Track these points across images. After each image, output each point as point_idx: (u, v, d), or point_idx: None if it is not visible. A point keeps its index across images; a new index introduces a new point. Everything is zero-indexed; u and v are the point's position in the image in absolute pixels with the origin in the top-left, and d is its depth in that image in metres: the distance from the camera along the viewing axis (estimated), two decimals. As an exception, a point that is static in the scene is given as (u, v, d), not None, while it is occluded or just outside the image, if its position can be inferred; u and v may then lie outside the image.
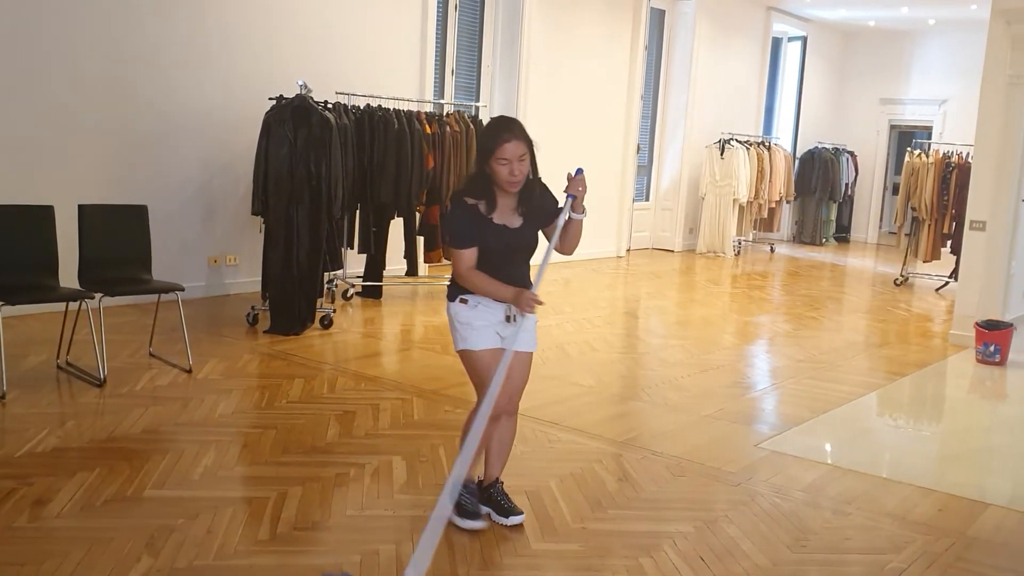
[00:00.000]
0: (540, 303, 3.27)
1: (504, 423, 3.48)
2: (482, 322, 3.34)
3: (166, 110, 6.98)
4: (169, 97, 6.99)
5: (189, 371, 5.23)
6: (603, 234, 11.50)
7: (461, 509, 3.41)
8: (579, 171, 3.34)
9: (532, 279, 3.37)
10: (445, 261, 8.23)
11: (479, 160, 3.29)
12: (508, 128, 3.26)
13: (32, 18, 6.18)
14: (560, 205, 3.38)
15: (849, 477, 4.23)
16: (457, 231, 3.30)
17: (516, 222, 3.34)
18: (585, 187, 3.34)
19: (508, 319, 3.35)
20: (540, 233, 3.44)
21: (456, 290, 3.39)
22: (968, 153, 9.69)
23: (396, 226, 7.90)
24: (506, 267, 3.33)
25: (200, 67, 7.14)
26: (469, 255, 3.28)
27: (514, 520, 3.46)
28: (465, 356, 3.40)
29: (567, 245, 3.45)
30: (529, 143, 3.27)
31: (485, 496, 3.52)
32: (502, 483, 3.54)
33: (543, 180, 3.41)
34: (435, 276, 8.77)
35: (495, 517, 3.48)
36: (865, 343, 7.53)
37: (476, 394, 3.45)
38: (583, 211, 3.36)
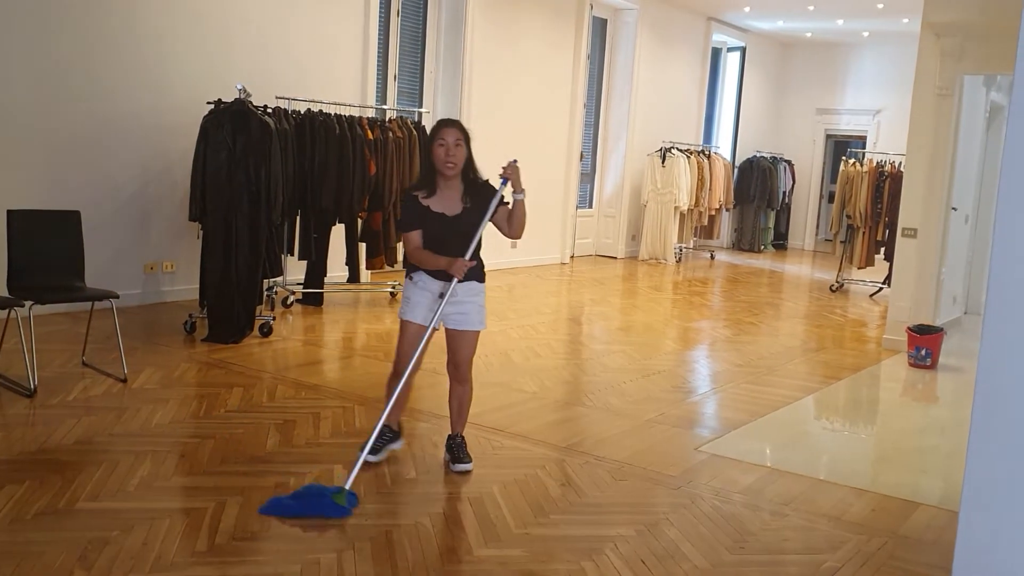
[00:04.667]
0: (470, 265, 3.86)
1: (457, 389, 4.14)
2: (418, 298, 3.97)
3: (100, 113, 6.83)
4: (103, 100, 6.83)
5: (124, 380, 5.11)
6: (547, 241, 11.55)
7: (374, 447, 3.99)
8: (512, 161, 3.88)
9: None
10: (387, 268, 8.19)
11: (424, 149, 3.95)
12: (449, 121, 3.94)
13: (-41, 18, 6.01)
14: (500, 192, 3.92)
15: (787, 479, 4.30)
16: (402, 218, 3.97)
17: (456, 210, 3.91)
18: (516, 170, 3.87)
19: (441, 296, 3.91)
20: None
21: (408, 268, 4.04)
22: (900, 162, 9.96)
23: (337, 232, 7.84)
24: (445, 250, 3.89)
25: (136, 70, 7.00)
26: (413, 236, 3.93)
27: (459, 467, 4.04)
28: (400, 323, 4.04)
29: (514, 228, 3.97)
30: (466, 135, 3.90)
31: (447, 445, 4.17)
32: (462, 437, 4.16)
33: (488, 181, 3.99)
34: (377, 283, 8.72)
35: (450, 465, 4.09)
36: (802, 348, 7.68)
37: (395, 357, 4.08)
38: (522, 191, 3.89)
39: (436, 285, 3.92)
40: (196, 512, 3.47)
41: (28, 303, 4.88)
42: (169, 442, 4.25)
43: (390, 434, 4.16)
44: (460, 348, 4.05)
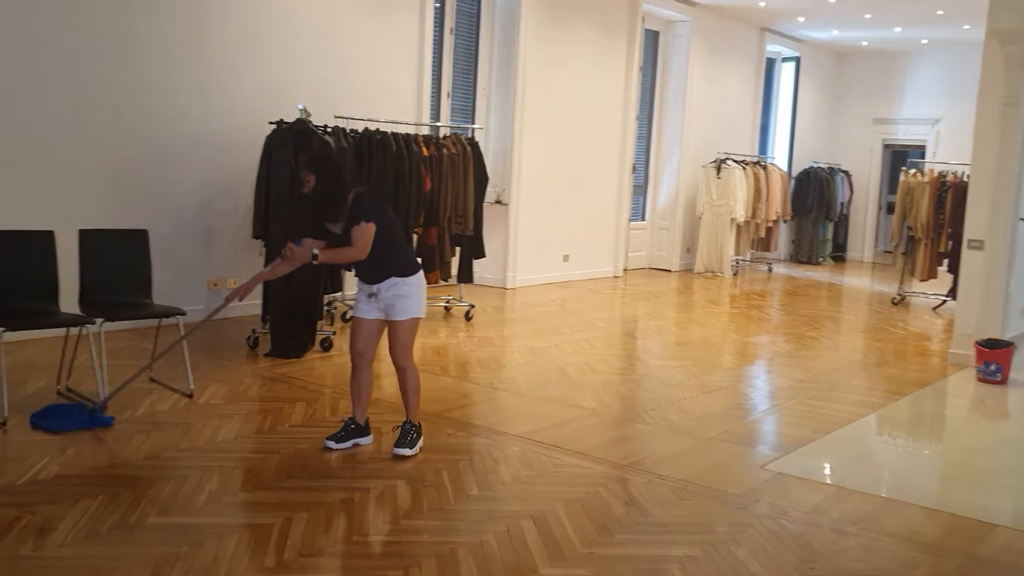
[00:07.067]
0: (295, 247, 4.34)
1: (398, 376, 4.52)
2: (359, 297, 4.48)
3: (167, 134, 6.99)
4: (170, 122, 7.00)
5: (190, 396, 5.21)
6: (599, 254, 11.52)
7: (335, 436, 4.47)
8: (284, 252, 4.37)
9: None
10: (442, 282, 8.24)
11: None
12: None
13: (32, 44, 6.20)
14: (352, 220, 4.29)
15: (854, 498, 4.22)
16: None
17: (337, 229, 4.36)
18: (292, 256, 4.37)
19: (370, 296, 4.40)
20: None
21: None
22: (963, 172, 9.75)
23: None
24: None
25: (201, 92, 7.16)
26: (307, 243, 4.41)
27: (396, 451, 4.39)
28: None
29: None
30: (312, 168, 4.32)
31: (400, 429, 4.51)
32: (410, 423, 4.49)
33: (354, 195, 4.33)
34: (432, 296, 8.73)
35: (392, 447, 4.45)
36: (864, 363, 7.53)
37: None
38: (313, 256, 4.32)
39: (365, 287, 4.43)
40: (263, 528, 3.52)
41: (99, 320, 5.01)
42: (235, 457, 4.31)
43: (354, 425, 4.53)
44: (391, 337, 4.44)
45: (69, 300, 5.18)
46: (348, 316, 7.67)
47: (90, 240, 5.33)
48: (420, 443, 4.50)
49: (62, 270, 5.15)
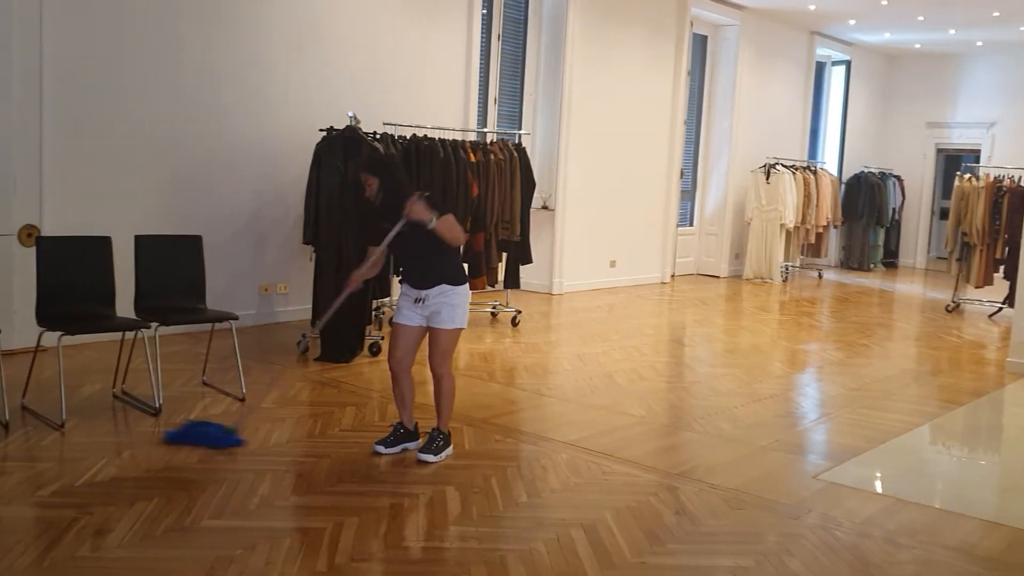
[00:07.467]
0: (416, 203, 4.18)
1: (435, 384, 4.52)
2: (402, 303, 4.46)
3: (219, 142, 7.11)
4: (222, 129, 7.11)
5: (242, 400, 5.27)
6: (646, 260, 11.46)
7: (385, 440, 4.51)
8: (418, 197, 4.22)
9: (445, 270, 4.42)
10: (489, 288, 8.26)
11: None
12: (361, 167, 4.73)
13: (87, 53, 6.34)
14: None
15: (910, 509, 4.14)
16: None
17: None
18: (414, 208, 4.17)
19: (416, 301, 4.38)
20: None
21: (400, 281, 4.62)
22: (1020, 177, 9.53)
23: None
24: (404, 254, 4.52)
25: (252, 100, 7.26)
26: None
27: (420, 456, 4.41)
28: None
29: (447, 242, 4.32)
30: (375, 173, 4.40)
31: (428, 435, 4.53)
32: (437, 430, 4.50)
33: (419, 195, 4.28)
34: (479, 303, 8.77)
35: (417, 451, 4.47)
36: (918, 371, 7.39)
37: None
38: (430, 219, 4.16)
39: (412, 292, 4.41)
40: (315, 532, 3.54)
41: (154, 325, 5.09)
42: (287, 461, 4.36)
43: (403, 430, 4.55)
44: (432, 343, 4.44)
45: (125, 305, 5.28)
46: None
47: (146, 246, 5.41)
48: (447, 452, 4.49)
49: (118, 275, 5.24)
